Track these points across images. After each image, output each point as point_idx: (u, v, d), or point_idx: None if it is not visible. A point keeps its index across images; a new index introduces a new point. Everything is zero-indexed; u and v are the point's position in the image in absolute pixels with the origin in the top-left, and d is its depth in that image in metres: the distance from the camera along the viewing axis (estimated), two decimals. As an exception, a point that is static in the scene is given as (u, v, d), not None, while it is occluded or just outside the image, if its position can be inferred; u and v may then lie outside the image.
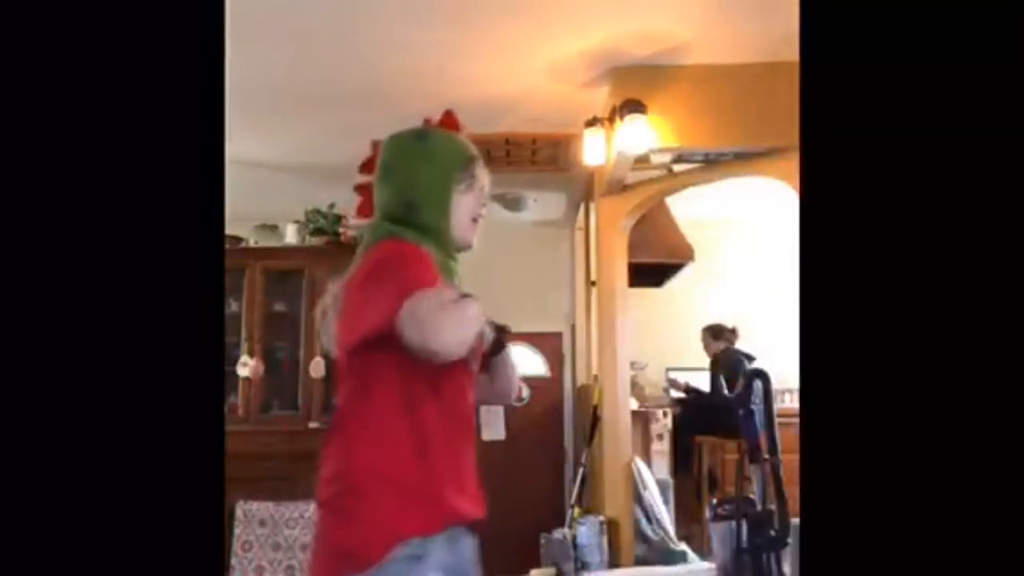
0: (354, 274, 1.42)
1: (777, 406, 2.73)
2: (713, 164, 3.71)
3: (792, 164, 2.41)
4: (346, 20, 3.14)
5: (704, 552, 3.69)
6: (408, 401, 1.36)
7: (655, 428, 4.61)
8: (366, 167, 1.58)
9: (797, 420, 1.32)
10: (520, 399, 1.65)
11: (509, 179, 4.88)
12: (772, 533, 2.58)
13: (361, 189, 1.58)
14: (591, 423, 4.23)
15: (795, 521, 2.50)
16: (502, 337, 1.53)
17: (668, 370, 5.65)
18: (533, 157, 4.61)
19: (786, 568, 2.59)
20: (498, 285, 3.59)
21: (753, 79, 3.39)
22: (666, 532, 3.84)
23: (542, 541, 3.79)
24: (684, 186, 3.88)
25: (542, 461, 5.85)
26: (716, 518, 2.75)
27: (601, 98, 3.69)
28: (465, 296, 1.31)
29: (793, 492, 1.71)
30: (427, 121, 1.58)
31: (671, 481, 4.28)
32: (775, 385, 2.74)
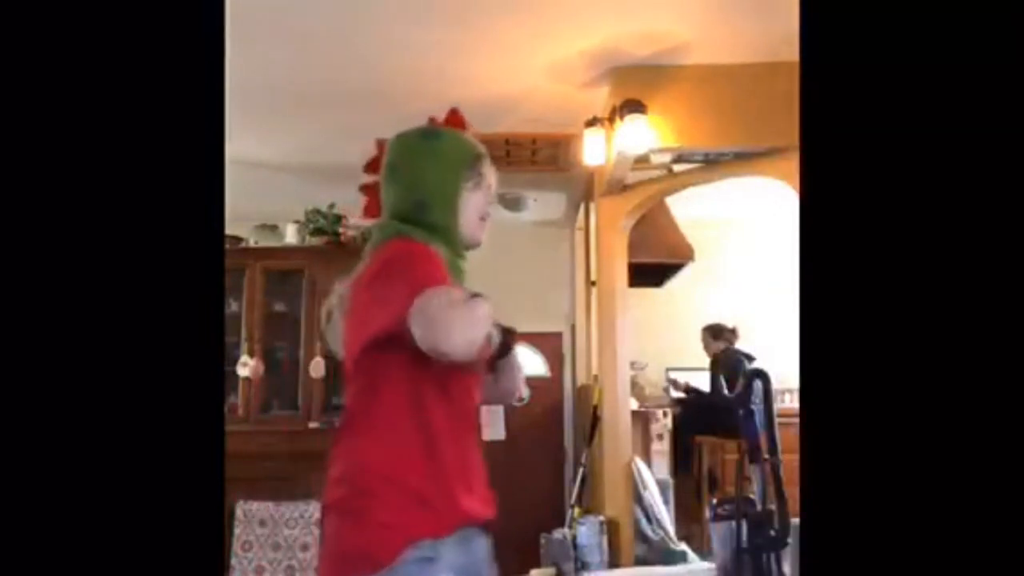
0: (362, 273, 1.41)
1: (777, 406, 2.73)
2: (713, 164, 3.71)
3: (792, 164, 2.41)
4: (346, 20, 3.14)
5: (704, 552, 3.68)
6: (417, 401, 1.36)
7: (655, 428, 4.61)
8: (371, 167, 1.57)
9: (797, 420, 1.32)
10: (521, 399, 1.64)
11: (509, 179, 4.87)
12: (772, 533, 2.57)
13: (367, 189, 1.57)
14: (591, 423, 4.23)
15: (795, 521, 2.50)
16: (509, 339, 1.51)
17: (668, 370, 5.65)
18: (533, 157, 4.61)
19: (786, 568, 2.59)
20: (498, 285, 3.56)
21: (753, 79, 3.39)
22: (666, 532, 3.84)
23: (542, 541, 3.78)
24: (684, 186, 3.88)
25: (542, 461, 5.85)
26: (716, 518, 2.75)
27: (601, 98, 3.68)
28: (475, 295, 1.29)
29: (793, 492, 1.71)
30: (433, 120, 1.57)
31: (671, 481, 4.28)
32: (775, 385, 2.73)
